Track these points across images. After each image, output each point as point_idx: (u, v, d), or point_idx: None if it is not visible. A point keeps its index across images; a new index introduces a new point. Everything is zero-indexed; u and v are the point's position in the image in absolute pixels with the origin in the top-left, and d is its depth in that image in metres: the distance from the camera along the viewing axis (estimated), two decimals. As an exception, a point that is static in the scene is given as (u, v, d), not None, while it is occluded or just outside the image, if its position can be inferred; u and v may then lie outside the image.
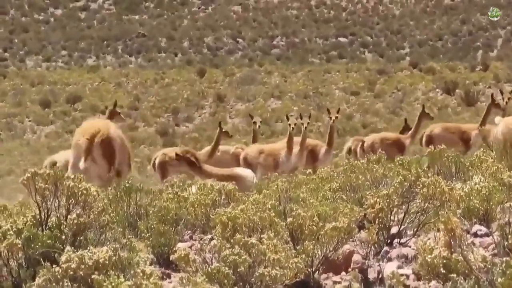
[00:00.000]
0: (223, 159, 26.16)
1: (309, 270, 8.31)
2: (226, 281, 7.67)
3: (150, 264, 8.20)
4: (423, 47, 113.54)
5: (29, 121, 64.90)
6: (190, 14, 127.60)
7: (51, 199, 8.76)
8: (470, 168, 12.22)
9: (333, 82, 74.96)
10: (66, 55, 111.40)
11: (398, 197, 9.47)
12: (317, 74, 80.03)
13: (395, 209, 9.41)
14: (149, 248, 9.06)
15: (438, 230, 8.49)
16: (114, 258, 7.37)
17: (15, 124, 63.81)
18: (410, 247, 9.10)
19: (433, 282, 7.79)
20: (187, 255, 8.15)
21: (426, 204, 9.43)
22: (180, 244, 9.34)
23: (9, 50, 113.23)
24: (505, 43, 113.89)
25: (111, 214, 9.49)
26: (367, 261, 8.83)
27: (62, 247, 7.96)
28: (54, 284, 7.29)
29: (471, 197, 9.51)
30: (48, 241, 8.23)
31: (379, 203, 9.29)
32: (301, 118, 26.89)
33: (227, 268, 7.74)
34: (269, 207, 9.52)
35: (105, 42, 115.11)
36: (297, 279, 8.14)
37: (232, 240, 8.22)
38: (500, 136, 19.45)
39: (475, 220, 9.44)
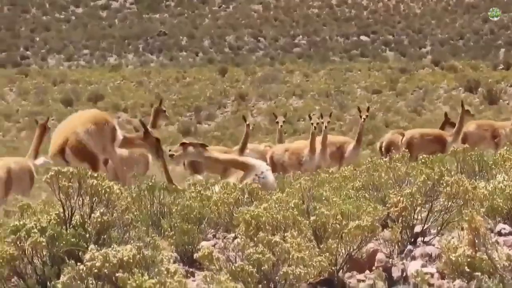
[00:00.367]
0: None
1: (333, 268, 8.30)
2: (250, 279, 7.66)
3: (174, 263, 8.20)
4: (445, 46, 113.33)
5: (52, 119, 64.89)
6: (211, 12, 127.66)
7: (75, 198, 8.78)
8: (493, 166, 12.20)
9: (355, 81, 74.89)
10: (88, 53, 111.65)
11: (422, 195, 9.45)
12: (339, 72, 80.00)
13: (418, 208, 9.39)
14: (172, 246, 9.07)
15: (462, 229, 8.48)
16: (138, 256, 7.38)
17: (38, 121, 63.93)
18: (434, 245, 9.09)
19: (458, 281, 7.77)
20: (211, 254, 8.15)
21: (450, 203, 9.41)
22: (203, 243, 9.35)
23: (31, 49, 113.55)
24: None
25: (135, 213, 9.52)
26: (391, 259, 8.82)
27: (86, 245, 7.99)
28: (78, 282, 7.30)
29: (495, 196, 9.49)
30: (72, 239, 8.25)
31: (403, 202, 9.27)
32: (322, 117, 26.89)
33: (251, 267, 7.73)
34: (293, 205, 9.53)
35: (126, 40, 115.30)
36: (321, 278, 8.15)
37: (255, 239, 8.21)
38: None
39: (498, 219, 9.42)
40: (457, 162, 12.48)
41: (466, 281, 7.59)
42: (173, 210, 10.11)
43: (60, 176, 8.77)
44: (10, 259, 8.21)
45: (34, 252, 8.18)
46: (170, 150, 18.65)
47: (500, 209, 9.39)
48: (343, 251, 8.43)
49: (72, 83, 77.57)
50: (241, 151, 25.32)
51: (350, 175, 13.27)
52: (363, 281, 8.39)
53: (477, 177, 12.04)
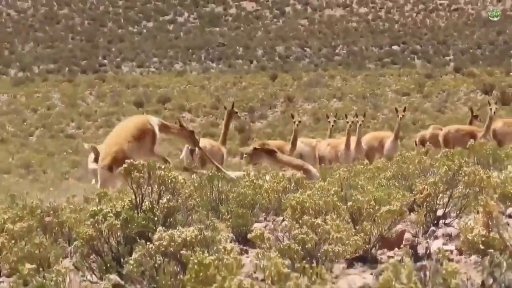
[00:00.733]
0: (303, 151, 26.36)
1: (366, 246, 8.33)
2: (295, 256, 7.71)
3: (230, 242, 8.26)
4: (465, 55, 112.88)
5: (125, 118, 65.33)
6: (264, 26, 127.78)
7: (145, 186, 8.84)
8: (505, 159, 12.19)
9: (387, 85, 74.83)
10: (157, 61, 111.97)
11: (443, 184, 9.46)
12: (373, 78, 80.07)
13: (440, 195, 9.41)
14: (229, 228, 9.11)
15: (478, 212, 8.46)
16: (199, 236, 7.42)
17: (113, 121, 64.21)
18: (453, 227, 9.10)
19: (473, 257, 7.80)
20: (262, 234, 8.19)
21: (467, 190, 9.42)
22: (256, 225, 9.39)
23: (107, 58, 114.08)
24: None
25: (197, 199, 9.56)
26: (416, 239, 8.83)
27: (154, 227, 8.04)
28: (148, 258, 7.36)
29: (506, 184, 9.47)
30: (142, 222, 8.31)
31: (427, 189, 9.30)
32: (357, 117, 26.97)
33: (296, 245, 7.78)
34: (332, 192, 9.57)
35: (190, 50, 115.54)
36: (357, 254, 8.21)
37: (300, 221, 8.27)
38: None
39: (509, 203, 9.40)
40: (474, 155, 12.49)
41: (480, 257, 7.61)
42: (230, 197, 10.15)
43: (132, 168, 8.84)
44: (89, 239, 8.28)
45: (110, 233, 8.25)
46: (244, 153, 18.97)
47: (510, 195, 9.36)
48: (376, 231, 8.46)
49: (143, 87, 77.89)
50: (293, 145, 25.47)
51: (382, 167, 13.27)
52: (392, 257, 8.42)
53: (491, 168, 12.03)
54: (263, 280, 7.38)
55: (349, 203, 8.94)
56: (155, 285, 7.33)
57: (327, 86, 75.48)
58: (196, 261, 6.82)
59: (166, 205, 8.61)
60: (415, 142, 32.39)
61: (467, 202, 9.41)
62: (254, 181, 10.81)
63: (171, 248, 7.31)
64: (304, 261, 7.69)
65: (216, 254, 7.05)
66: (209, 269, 6.75)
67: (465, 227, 7.88)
